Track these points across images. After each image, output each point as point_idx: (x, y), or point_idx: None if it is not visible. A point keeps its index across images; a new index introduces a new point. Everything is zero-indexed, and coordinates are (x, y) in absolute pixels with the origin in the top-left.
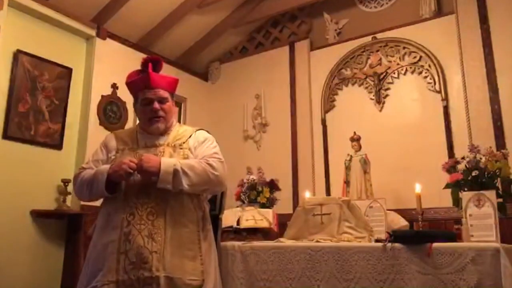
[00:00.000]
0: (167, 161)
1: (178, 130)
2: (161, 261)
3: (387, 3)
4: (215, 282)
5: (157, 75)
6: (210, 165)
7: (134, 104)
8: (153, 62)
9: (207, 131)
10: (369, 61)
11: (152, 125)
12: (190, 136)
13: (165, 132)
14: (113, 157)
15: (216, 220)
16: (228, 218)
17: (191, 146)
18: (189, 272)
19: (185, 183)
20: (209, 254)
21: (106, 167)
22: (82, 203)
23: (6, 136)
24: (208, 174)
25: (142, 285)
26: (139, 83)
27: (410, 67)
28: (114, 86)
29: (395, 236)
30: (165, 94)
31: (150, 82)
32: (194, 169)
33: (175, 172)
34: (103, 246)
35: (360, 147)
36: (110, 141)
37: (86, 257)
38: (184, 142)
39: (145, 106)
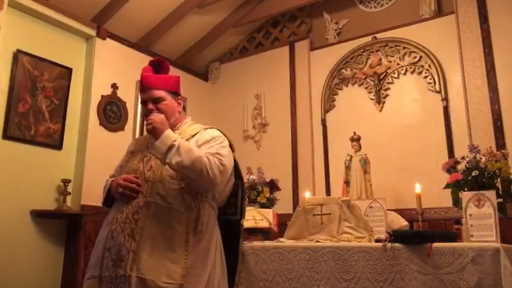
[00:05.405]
0: (170, 134)
1: (186, 129)
2: (136, 261)
3: (387, 3)
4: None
5: (151, 76)
6: (209, 160)
7: None
8: (154, 64)
9: (219, 130)
10: (369, 61)
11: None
12: (195, 135)
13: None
14: (127, 159)
15: (237, 225)
16: None
17: (192, 144)
18: (165, 274)
19: (174, 160)
20: (204, 258)
21: (109, 182)
22: (82, 203)
23: (6, 136)
24: (202, 167)
25: (118, 283)
26: (140, 87)
27: (410, 67)
28: (114, 86)
29: (395, 236)
30: (159, 93)
31: (143, 84)
32: (191, 153)
33: (171, 147)
34: (97, 243)
35: (360, 147)
36: (131, 145)
37: None
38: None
39: (144, 107)
